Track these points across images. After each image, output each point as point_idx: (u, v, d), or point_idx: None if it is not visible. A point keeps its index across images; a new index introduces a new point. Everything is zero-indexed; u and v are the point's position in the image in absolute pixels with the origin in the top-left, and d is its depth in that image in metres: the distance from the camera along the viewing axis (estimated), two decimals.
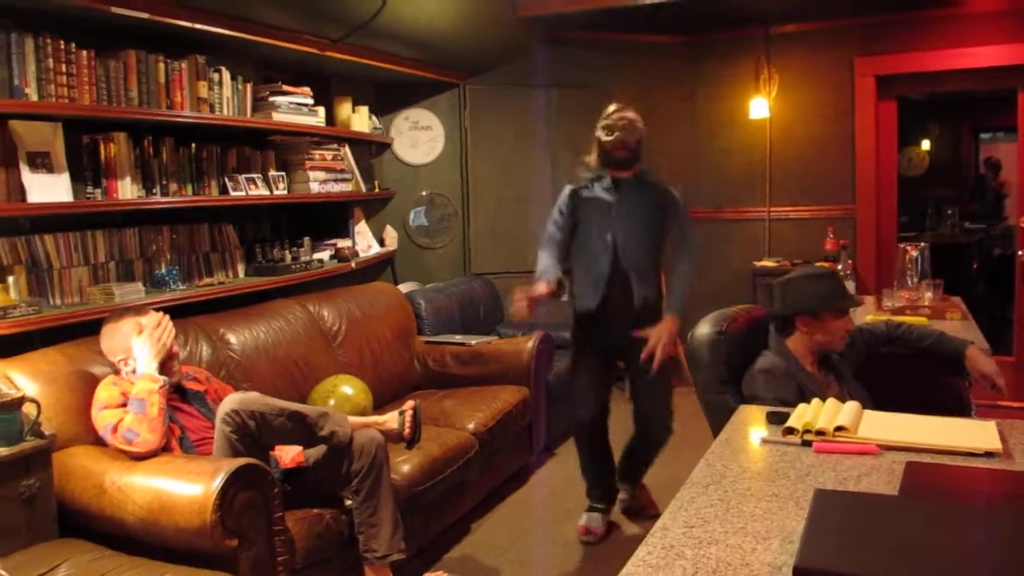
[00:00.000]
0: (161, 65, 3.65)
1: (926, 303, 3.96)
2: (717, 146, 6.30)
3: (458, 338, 4.78)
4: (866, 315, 3.77)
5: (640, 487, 4.08)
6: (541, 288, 3.49)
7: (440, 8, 4.86)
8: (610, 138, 3.66)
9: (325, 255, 4.77)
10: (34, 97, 3.12)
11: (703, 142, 6.35)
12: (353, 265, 4.84)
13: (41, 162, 3.22)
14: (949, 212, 8.55)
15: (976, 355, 2.93)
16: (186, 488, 2.50)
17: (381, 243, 5.48)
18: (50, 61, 3.17)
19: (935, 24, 5.57)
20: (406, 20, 4.62)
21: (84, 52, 3.29)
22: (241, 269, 4.24)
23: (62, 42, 3.21)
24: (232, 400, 2.81)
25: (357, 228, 5.18)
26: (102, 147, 3.48)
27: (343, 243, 4.93)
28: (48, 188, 3.22)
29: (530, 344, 4.52)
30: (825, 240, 5.91)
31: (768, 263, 6.03)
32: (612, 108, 3.75)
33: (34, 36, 3.11)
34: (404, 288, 5.28)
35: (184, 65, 3.75)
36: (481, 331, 5.10)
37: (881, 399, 2.48)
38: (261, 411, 2.79)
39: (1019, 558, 1.19)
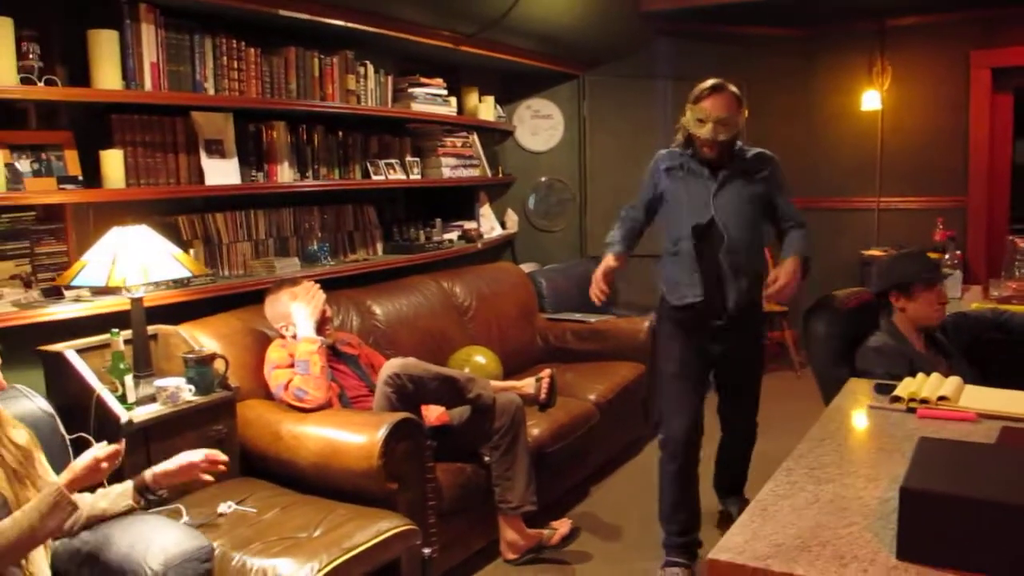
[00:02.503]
0: (315, 60, 4.03)
1: None
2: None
3: (578, 316, 5.08)
4: (972, 303, 3.92)
5: (744, 501, 3.63)
6: (609, 262, 3.29)
7: (566, 4, 5.15)
8: (703, 132, 3.13)
9: (453, 235, 5.11)
10: (211, 91, 3.53)
11: (816, 133, 6.49)
12: (479, 246, 5.19)
13: (215, 148, 3.63)
14: None
15: None
16: (355, 437, 2.88)
17: (503, 225, 5.81)
18: (224, 59, 3.57)
19: None
20: (534, 16, 4.91)
21: (252, 50, 3.69)
22: (380, 247, 4.62)
23: (234, 41, 3.61)
24: (394, 364, 3.18)
25: (482, 211, 5.53)
26: (264, 135, 3.88)
27: (469, 225, 5.28)
28: (221, 172, 3.63)
29: (646, 323, 4.78)
30: (934, 231, 6.00)
31: (876, 252, 6.15)
32: (707, 87, 3.17)
33: (212, 36, 3.51)
34: (525, 268, 5.59)
35: (335, 60, 4.13)
36: (597, 310, 5.36)
37: (989, 382, 2.66)
38: (420, 375, 3.17)
39: None
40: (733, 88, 3.20)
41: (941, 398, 2.32)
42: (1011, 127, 6.10)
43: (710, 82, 3.19)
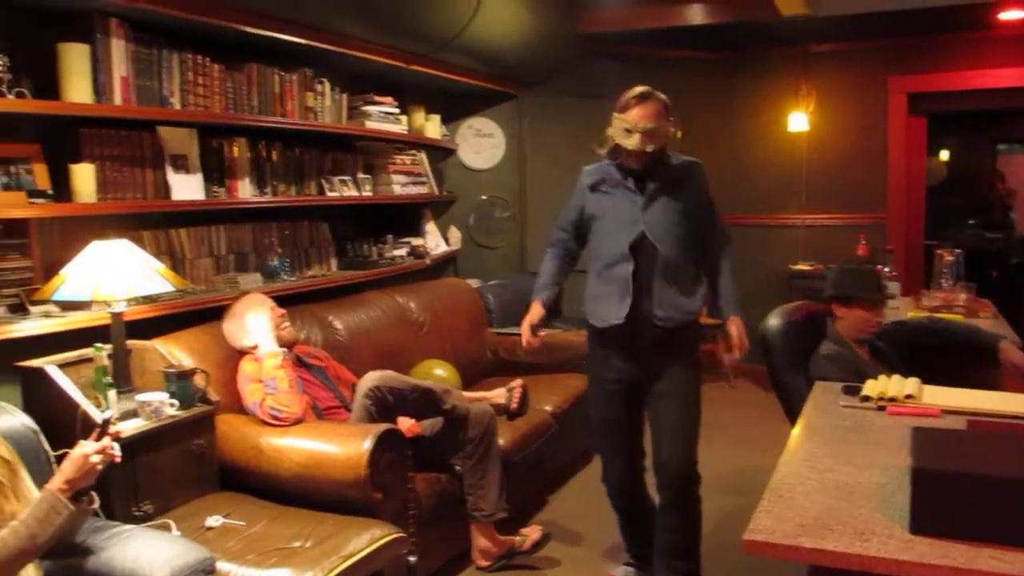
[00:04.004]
0: (276, 77, 4.08)
1: (960, 303, 4.36)
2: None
3: None
4: (907, 312, 4.18)
5: None
6: (535, 312, 3.29)
7: (511, 27, 5.28)
8: (630, 143, 2.95)
9: (403, 252, 5.18)
10: (177, 106, 3.54)
11: (743, 153, 6.77)
12: (427, 262, 5.27)
13: (181, 164, 3.64)
14: (971, 222, 8.94)
15: (1009, 348, 3.33)
16: (340, 448, 2.93)
17: (447, 242, 5.89)
18: (190, 74, 3.59)
19: (965, 46, 6.01)
20: (481, 37, 5.03)
21: (216, 66, 3.72)
22: (334, 263, 4.66)
23: (199, 57, 3.63)
24: (373, 377, 3.24)
25: (427, 227, 5.60)
26: (226, 150, 3.90)
27: (417, 241, 5.35)
28: (186, 187, 3.64)
29: None
30: (857, 246, 6.31)
31: (803, 267, 6.46)
32: (634, 95, 2.99)
33: (179, 52, 3.53)
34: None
35: (295, 77, 4.18)
36: (543, 325, 5.46)
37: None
38: (399, 387, 3.24)
39: None
40: (661, 96, 3.02)
41: (907, 396, 2.51)
42: (925, 148, 6.49)
43: (637, 90, 3.01)
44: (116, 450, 2.29)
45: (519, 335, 5.04)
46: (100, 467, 2.19)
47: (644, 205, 3.06)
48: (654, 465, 3.13)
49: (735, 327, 3.11)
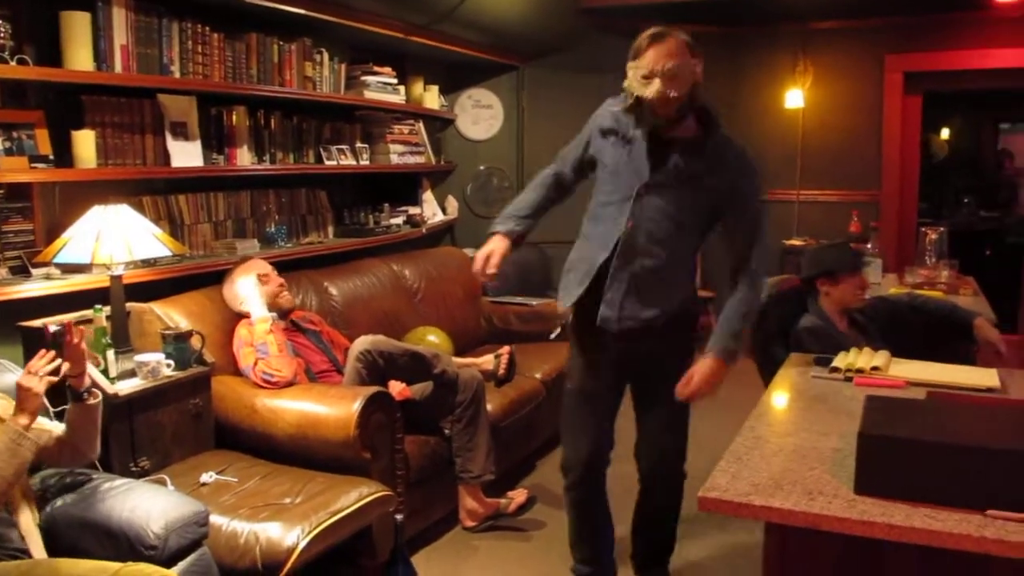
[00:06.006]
0: (275, 47, 4.14)
1: (943, 280, 4.45)
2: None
3: (519, 299, 5.30)
4: (889, 288, 4.27)
5: None
6: (494, 244, 2.82)
7: None
8: (650, 92, 2.46)
9: (399, 220, 5.27)
10: (177, 74, 3.61)
11: (741, 128, 6.79)
12: (424, 231, 5.36)
13: (180, 131, 3.72)
14: (966, 200, 8.99)
15: (983, 324, 3.43)
16: (331, 409, 3.04)
17: (444, 211, 5.98)
18: (190, 43, 3.66)
19: (963, 26, 6.05)
20: (483, 9, 5.09)
21: (216, 35, 3.78)
22: (331, 230, 4.75)
23: (199, 25, 3.69)
24: (365, 341, 3.35)
25: (424, 197, 5.68)
26: (225, 118, 3.98)
27: (414, 210, 5.44)
28: (185, 154, 3.72)
29: None
30: (850, 223, 6.39)
31: (797, 242, 6.54)
32: (648, 35, 2.52)
33: (179, 20, 3.60)
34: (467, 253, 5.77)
35: (294, 47, 4.24)
36: (534, 294, 5.58)
37: (904, 358, 2.99)
38: (390, 351, 3.34)
39: (1008, 428, 1.82)
40: (680, 34, 2.53)
41: (874, 368, 2.62)
42: (920, 127, 6.54)
43: (651, 30, 2.53)
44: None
45: (514, 304, 5.20)
46: (42, 384, 2.27)
47: (646, 182, 2.60)
48: (640, 455, 2.90)
49: (703, 365, 2.56)
